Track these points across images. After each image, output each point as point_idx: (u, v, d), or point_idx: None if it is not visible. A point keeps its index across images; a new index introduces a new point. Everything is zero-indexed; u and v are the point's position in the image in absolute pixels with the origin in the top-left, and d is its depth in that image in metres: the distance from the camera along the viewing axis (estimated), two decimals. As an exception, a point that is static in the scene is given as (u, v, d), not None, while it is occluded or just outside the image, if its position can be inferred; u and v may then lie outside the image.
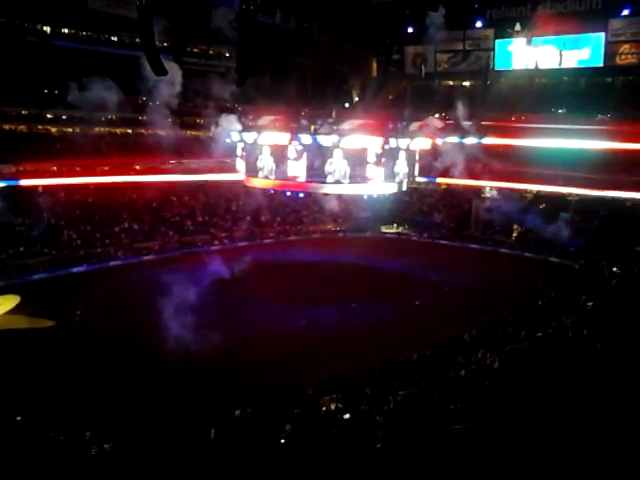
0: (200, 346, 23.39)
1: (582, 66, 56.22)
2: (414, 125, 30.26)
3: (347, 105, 59.77)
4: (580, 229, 46.04)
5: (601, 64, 55.34)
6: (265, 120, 29.00)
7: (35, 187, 44.73)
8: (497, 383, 5.33)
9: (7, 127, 49.02)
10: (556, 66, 57.44)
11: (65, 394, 20.82)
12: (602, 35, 54.93)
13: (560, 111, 54.96)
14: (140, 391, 21.57)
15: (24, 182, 44.05)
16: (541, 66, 57.90)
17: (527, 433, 4.27)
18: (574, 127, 49.14)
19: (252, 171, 30.11)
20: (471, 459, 4.53)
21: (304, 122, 28.44)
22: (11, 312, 29.83)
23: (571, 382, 5.00)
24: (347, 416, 15.47)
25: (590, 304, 25.62)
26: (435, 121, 31.50)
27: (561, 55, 56.85)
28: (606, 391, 4.48)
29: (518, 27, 57.91)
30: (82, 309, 31.70)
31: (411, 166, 30.08)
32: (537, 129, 51.09)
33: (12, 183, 43.65)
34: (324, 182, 28.06)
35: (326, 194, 30.32)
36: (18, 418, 16.00)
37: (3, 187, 43.39)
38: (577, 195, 50.09)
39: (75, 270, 40.90)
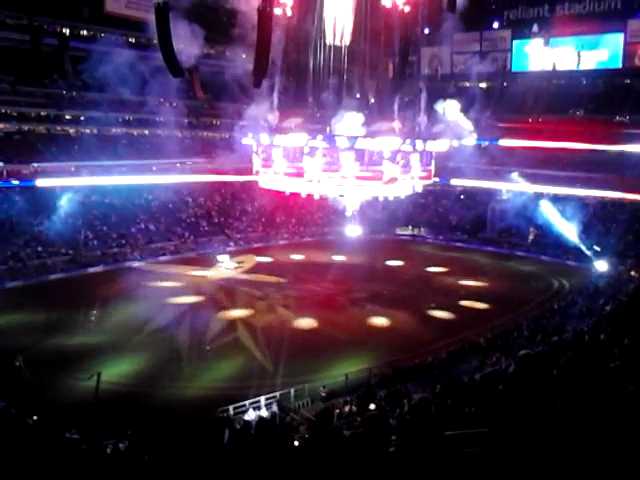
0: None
1: (600, 67, 55.59)
2: (433, 126, 30.16)
3: (363, 107, 59.61)
4: (598, 232, 45.48)
5: (619, 65, 54.65)
6: (285, 122, 29.05)
7: (53, 187, 45.05)
8: (512, 387, 5.24)
9: (26, 128, 49.48)
10: (574, 68, 56.86)
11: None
12: (621, 36, 54.27)
13: (578, 113, 54.49)
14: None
15: (41, 182, 44.41)
16: (559, 67, 57.36)
17: (540, 438, 4.22)
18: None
19: (268, 172, 30.04)
20: (483, 463, 4.48)
21: (319, 123, 28.31)
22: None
23: (587, 389, 4.93)
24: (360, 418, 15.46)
25: (608, 308, 25.32)
26: (453, 104, 31.21)
27: (579, 56, 56.23)
28: (623, 398, 4.40)
29: (536, 28, 57.49)
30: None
31: (426, 167, 29.80)
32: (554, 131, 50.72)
33: (29, 183, 44.07)
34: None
35: (341, 196, 30.07)
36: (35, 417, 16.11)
37: (21, 187, 43.81)
38: (594, 198, 49.56)
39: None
